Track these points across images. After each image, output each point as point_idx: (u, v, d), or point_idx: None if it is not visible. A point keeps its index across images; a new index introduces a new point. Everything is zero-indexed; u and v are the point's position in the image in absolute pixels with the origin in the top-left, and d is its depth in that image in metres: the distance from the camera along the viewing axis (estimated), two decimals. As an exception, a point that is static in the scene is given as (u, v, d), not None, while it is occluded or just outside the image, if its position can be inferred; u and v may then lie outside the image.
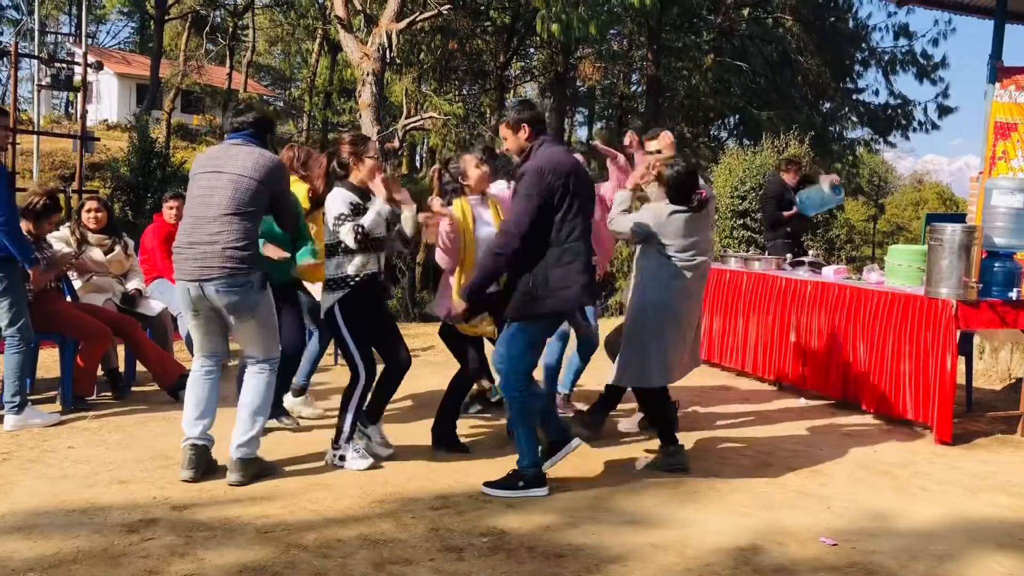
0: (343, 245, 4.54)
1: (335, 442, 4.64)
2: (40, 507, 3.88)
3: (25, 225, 5.57)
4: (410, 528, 3.79)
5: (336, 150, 4.77)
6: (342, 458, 4.60)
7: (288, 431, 5.26)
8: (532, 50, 29.46)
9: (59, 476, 4.32)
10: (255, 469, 4.35)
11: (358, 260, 4.56)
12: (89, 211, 6.27)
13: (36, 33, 18.79)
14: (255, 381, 4.43)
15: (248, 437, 4.33)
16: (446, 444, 4.97)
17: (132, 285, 6.35)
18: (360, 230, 4.48)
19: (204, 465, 4.36)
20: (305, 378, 5.66)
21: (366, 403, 4.70)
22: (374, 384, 4.70)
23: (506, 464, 4.70)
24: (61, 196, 6.12)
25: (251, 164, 4.25)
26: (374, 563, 3.42)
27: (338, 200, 4.60)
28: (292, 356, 5.15)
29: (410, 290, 17.09)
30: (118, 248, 6.31)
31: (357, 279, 4.56)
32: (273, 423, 5.14)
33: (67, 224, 6.19)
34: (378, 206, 4.57)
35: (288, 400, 5.53)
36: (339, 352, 6.58)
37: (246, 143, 4.36)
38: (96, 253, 6.20)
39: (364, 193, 4.64)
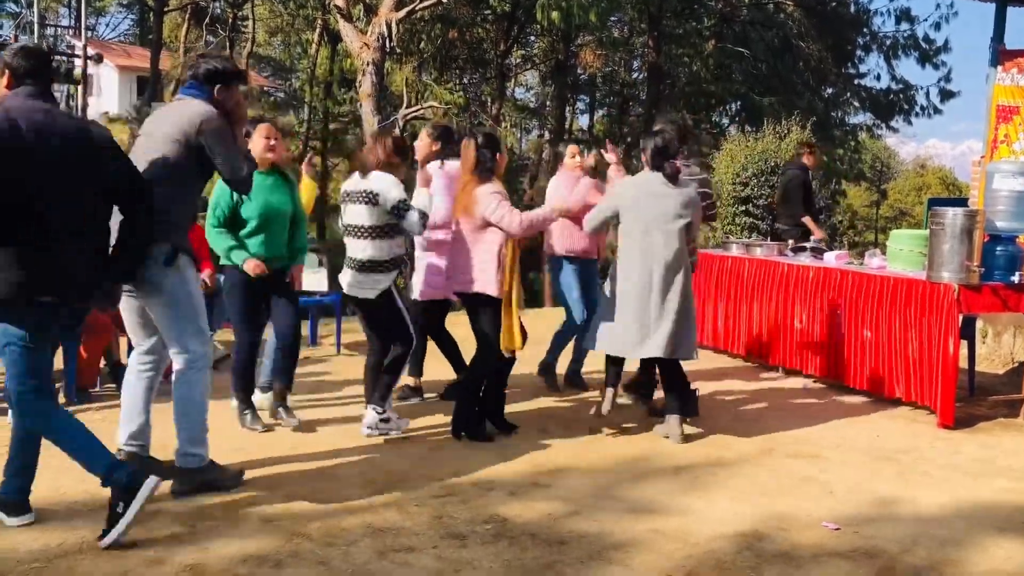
0: (393, 227, 4.73)
1: (380, 403, 4.84)
2: (44, 499, 3.88)
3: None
4: (413, 516, 3.80)
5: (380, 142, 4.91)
6: (387, 421, 4.83)
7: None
8: (532, 38, 29.32)
9: (62, 468, 4.31)
10: (203, 477, 4.02)
11: (402, 240, 4.89)
12: None
13: (36, 26, 18.76)
14: (178, 379, 4.02)
15: (184, 440, 4.03)
16: (501, 427, 5.11)
17: None
18: (426, 218, 4.75)
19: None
20: (271, 375, 5.39)
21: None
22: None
23: (510, 453, 4.72)
24: None
25: (174, 121, 3.87)
26: (377, 551, 3.44)
27: (395, 185, 4.72)
28: (290, 344, 5.13)
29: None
30: None
31: (402, 257, 4.94)
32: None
33: None
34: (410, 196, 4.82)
35: (257, 396, 5.30)
36: (340, 342, 6.59)
37: (182, 98, 4.01)
38: None
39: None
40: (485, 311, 4.90)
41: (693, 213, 5.00)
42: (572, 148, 6.05)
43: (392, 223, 4.74)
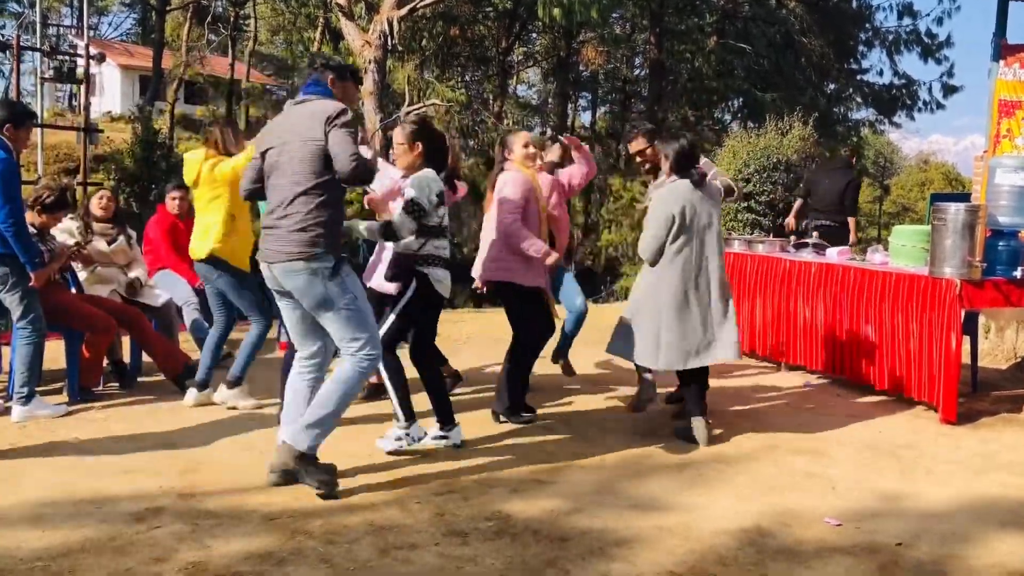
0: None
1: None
2: (47, 497, 3.90)
3: (31, 216, 5.59)
4: (415, 513, 3.80)
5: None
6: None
7: None
8: (534, 35, 29.33)
9: (66, 466, 4.34)
10: (300, 462, 4.02)
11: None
12: (101, 198, 6.41)
13: (38, 26, 18.78)
14: (344, 369, 4.06)
15: (311, 420, 4.01)
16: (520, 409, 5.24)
17: (133, 275, 6.36)
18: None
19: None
20: (241, 370, 5.48)
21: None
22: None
23: (512, 450, 4.72)
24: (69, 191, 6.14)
25: (310, 122, 3.90)
26: (379, 548, 3.44)
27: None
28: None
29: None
30: (121, 238, 6.35)
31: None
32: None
33: (71, 216, 6.20)
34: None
35: (222, 392, 5.45)
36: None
37: (309, 98, 4.04)
38: (100, 244, 6.23)
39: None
40: (514, 299, 5.17)
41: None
42: (523, 135, 5.53)
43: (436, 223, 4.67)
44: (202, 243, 5.40)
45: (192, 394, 5.48)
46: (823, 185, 9.00)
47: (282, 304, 4.17)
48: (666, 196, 4.93)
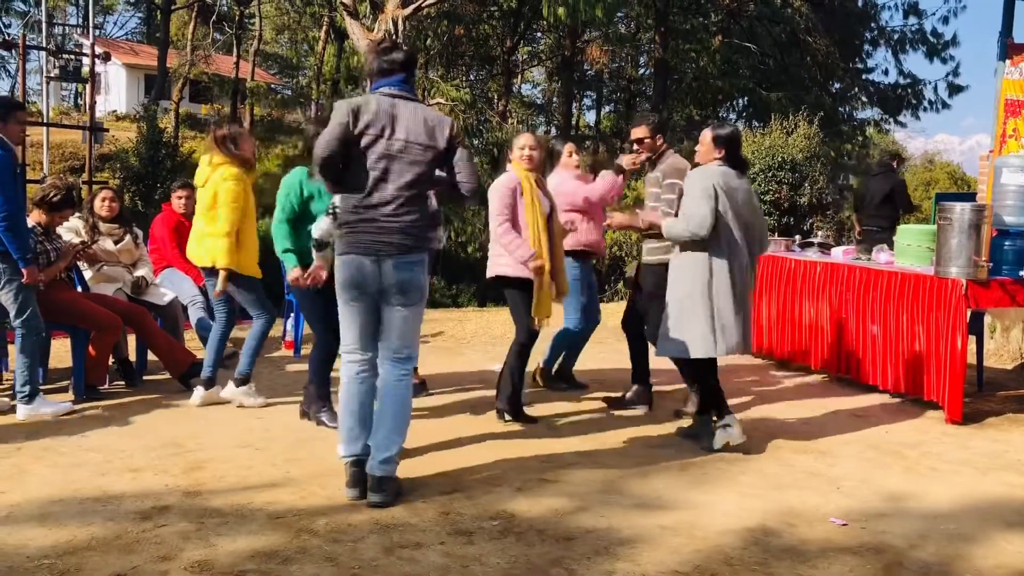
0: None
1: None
2: (54, 495, 3.91)
3: (37, 215, 5.61)
4: (420, 512, 3.81)
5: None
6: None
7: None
8: (539, 34, 29.35)
9: (72, 465, 4.35)
10: (399, 489, 4.00)
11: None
12: (104, 199, 6.37)
13: (44, 25, 18.75)
14: (400, 383, 4.02)
15: (396, 449, 3.98)
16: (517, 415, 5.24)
17: (139, 273, 6.37)
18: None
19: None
20: (248, 366, 5.47)
21: None
22: None
23: (516, 449, 4.72)
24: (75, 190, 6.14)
25: (424, 127, 3.92)
26: (384, 547, 3.45)
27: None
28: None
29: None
30: (128, 237, 6.36)
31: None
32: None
33: (78, 214, 6.21)
34: None
35: (230, 388, 5.45)
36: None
37: (408, 97, 3.99)
38: (107, 243, 6.25)
39: None
40: (507, 293, 5.22)
41: None
42: (569, 146, 5.92)
43: None
44: (203, 251, 5.37)
45: (199, 393, 5.47)
46: (869, 191, 9.44)
47: (356, 307, 3.98)
48: (704, 173, 4.78)
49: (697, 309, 4.74)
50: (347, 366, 4.07)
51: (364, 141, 3.87)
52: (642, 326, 5.56)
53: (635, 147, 5.59)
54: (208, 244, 5.32)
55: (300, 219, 4.96)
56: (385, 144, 3.87)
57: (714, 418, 4.88)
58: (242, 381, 5.46)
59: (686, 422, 5.16)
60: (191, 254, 5.52)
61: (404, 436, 4.01)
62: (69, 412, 5.25)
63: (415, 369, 5.30)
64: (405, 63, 4.02)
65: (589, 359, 6.48)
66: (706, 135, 4.88)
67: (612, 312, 8.01)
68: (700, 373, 4.95)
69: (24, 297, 5.14)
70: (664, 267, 5.06)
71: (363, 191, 3.88)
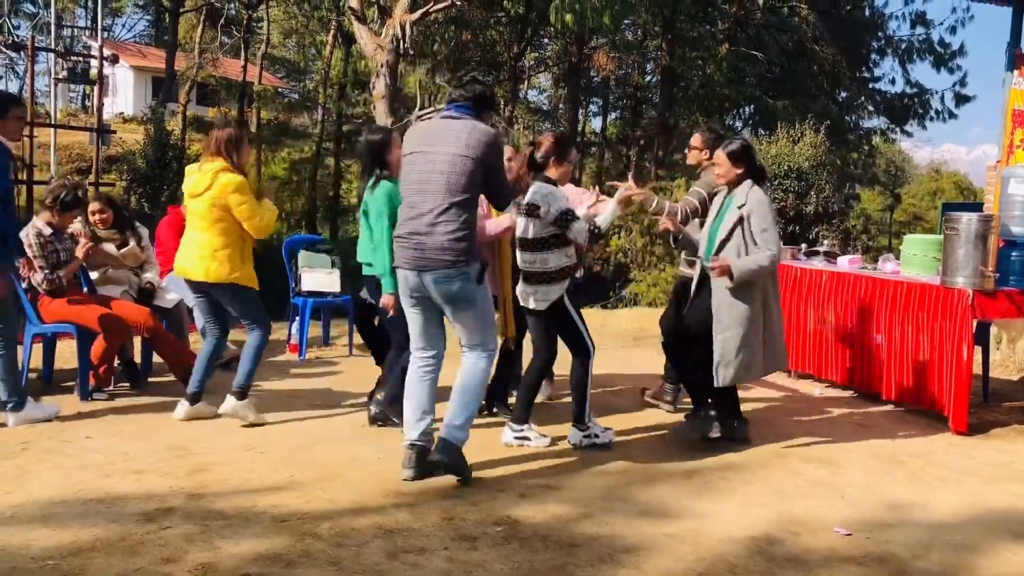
0: (556, 239, 4.68)
1: (579, 423, 4.86)
2: (58, 497, 3.92)
3: (47, 216, 5.63)
4: (424, 517, 3.80)
5: (538, 143, 4.88)
6: (590, 435, 4.87)
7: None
8: (546, 40, 29.35)
9: (76, 466, 4.36)
10: (457, 456, 4.26)
11: (571, 251, 4.78)
12: (94, 213, 6.17)
13: (52, 27, 18.88)
14: (472, 365, 4.36)
15: (461, 420, 4.29)
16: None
17: (147, 277, 6.37)
18: (596, 230, 4.67)
19: (424, 464, 4.28)
20: (246, 379, 5.20)
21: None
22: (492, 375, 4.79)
23: (520, 455, 4.72)
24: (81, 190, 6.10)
25: (466, 141, 4.14)
26: (388, 552, 3.44)
27: (560, 197, 4.69)
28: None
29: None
30: (132, 242, 6.31)
31: (571, 267, 4.80)
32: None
33: (79, 219, 6.15)
34: (615, 210, 4.81)
35: (229, 403, 5.15)
36: (353, 343, 6.57)
37: (461, 115, 4.26)
38: (110, 247, 6.22)
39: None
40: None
41: None
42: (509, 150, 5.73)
43: (553, 234, 4.69)
44: (200, 265, 5.03)
45: (183, 407, 5.22)
46: None
47: (415, 311, 4.32)
48: (764, 196, 4.88)
49: (759, 333, 4.85)
50: (412, 362, 4.42)
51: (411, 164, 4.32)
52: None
53: (686, 151, 5.78)
54: (221, 257, 5.00)
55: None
56: (420, 159, 4.23)
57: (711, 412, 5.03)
58: (241, 394, 5.18)
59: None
60: (185, 265, 5.12)
61: (470, 411, 4.33)
62: (57, 414, 5.18)
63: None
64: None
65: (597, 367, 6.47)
66: (719, 156, 4.93)
67: (621, 317, 8.00)
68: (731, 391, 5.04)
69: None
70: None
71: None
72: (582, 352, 4.88)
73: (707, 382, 4.92)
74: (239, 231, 5.08)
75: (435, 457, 4.22)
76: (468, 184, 4.13)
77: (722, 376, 4.84)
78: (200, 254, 5.03)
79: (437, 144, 4.18)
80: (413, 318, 4.37)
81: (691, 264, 5.43)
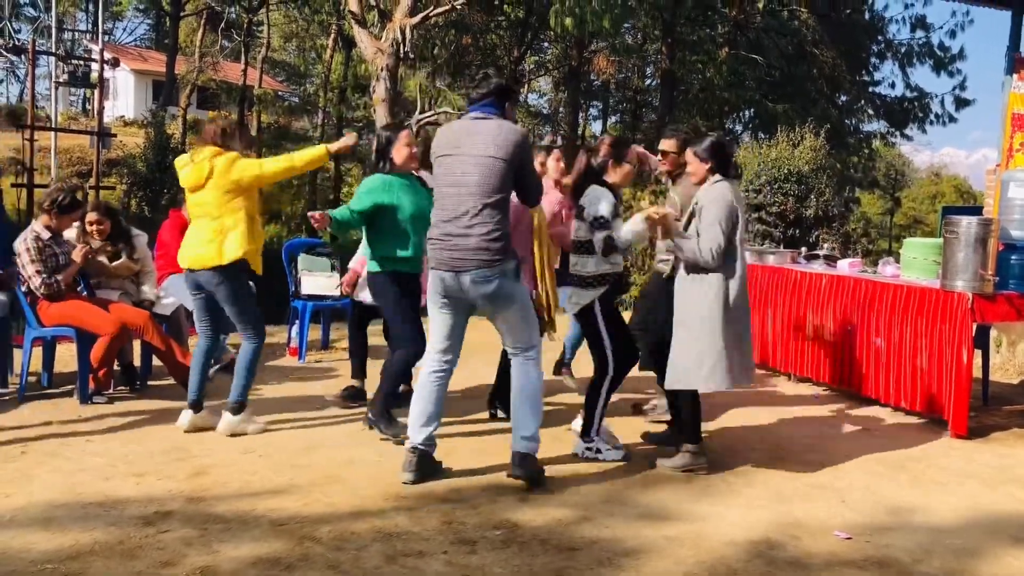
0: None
1: (586, 435, 4.77)
2: (57, 500, 3.92)
3: (46, 219, 5.63)
4: (423, 521, 3.80)
5: (595, 148, 4.83)
6: (597, 451, 4.75)
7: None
8: (546, 44, 29.39)
9: (76, 469, 4.36)
10: (534, 467, 4.29)
11: (616, 258, 4.65)
12: (91, 223, 6.10)
13: (53, 30, 18.95)
14: (523, 371, 4.33)
15: (532, 431, 4.28)
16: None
17: (144, 291, 6.28)
18: (610, 242, 4.57)
19: (425, 468, 4.31)
20: (241, 393, 5.08)
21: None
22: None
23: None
24: (79, 192, 6.08)
25: (495, 142, 4.15)
26: (387, 556, 3.44)
27: (604, 201, 4.61)
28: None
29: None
30: (124, 255, 6.20)
31: (613, 276, 4.67)
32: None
33: (76, 224, 6.10)
34: (638, 226, 4.59)
35: (227, 419, 5.02)
36: (352, 349, 6.56)
37: (487, 115, 4.25)
38: (102, 259, 6.13)
39: (617, 194, 4.74)
40: None
41: None
42: (557, 153, 5.71)
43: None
44: (211, 248, 4.90)
45: (186, 416, 5.10)
46: None
47: (444, 313, 4.31)
48: (726, 192, 4.50)
49: (716, 337, 4.44)
50: (428, 364, 4.41)
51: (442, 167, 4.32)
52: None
53: (659, 158, 5.45)
54: (232, 237, 4.90)
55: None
56: (451, 162, 4.24)
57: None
58: (238, 409, 5.04)
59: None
60: (192, 254, 4.98)
61: (538, 416, 4.32)
62: (46, 422, 5.13)
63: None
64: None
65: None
66: (688, 155, 4.67)
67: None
68: (693, 399, 4.69)
69: None
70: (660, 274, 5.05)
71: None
72: (603, 367, 4.71)
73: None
74: (250, 210, 4.96)
75: (517, 473, 4.24)
76: (500, 185, 4.15)
77: (670, 378, 4.63)
78: (209, 238, 4.92)
79: (467, 146, 4.19)
80: (439, 320, 4.34)
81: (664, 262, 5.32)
